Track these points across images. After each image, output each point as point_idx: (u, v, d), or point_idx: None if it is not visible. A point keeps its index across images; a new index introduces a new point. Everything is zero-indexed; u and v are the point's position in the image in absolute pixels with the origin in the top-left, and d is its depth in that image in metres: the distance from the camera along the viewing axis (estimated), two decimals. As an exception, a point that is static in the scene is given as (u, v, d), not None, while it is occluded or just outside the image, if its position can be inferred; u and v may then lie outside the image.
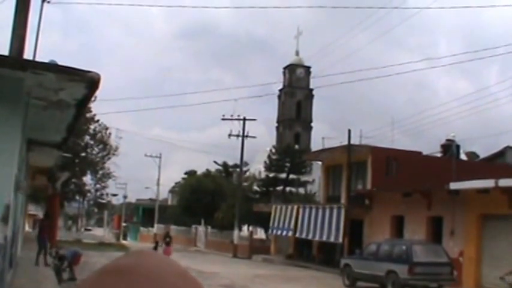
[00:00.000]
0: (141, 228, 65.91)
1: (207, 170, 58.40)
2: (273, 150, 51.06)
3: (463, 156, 36.60)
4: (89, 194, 51.41)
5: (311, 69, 75.62)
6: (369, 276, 20.88)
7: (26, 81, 7.07)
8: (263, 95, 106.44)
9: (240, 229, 41.52)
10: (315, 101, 77.11)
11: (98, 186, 47.72)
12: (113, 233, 73.17)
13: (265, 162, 49.52)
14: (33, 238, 24.68)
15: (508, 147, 36.14)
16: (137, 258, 0.81)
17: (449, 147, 31.78)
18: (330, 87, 79.91)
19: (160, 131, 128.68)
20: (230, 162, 56.98)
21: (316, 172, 43.75)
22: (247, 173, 53.06)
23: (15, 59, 8.97)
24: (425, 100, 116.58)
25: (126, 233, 68.25)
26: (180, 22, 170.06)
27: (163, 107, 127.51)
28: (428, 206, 24.49)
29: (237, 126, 42.32)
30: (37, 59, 14.50)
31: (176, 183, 69.07)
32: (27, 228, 44.58)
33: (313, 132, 75.36)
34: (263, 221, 38.01)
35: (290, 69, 76.35)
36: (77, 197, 53.63)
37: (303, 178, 48.44)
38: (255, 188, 49.83)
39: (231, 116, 41.87)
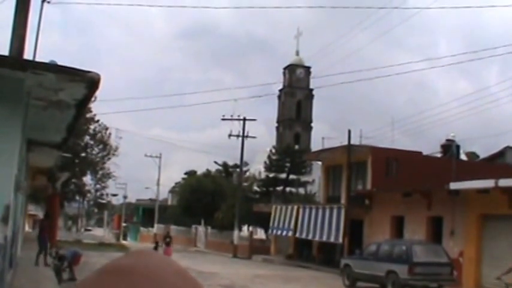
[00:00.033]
0: (141, 229, 65.92)
1: (207, 170, 58.43)
2: (273, 151, 51.06)
3: (463, 157, 36.62)
4: (89, 194, 51.45)
5: (311, 70, 75.70)
6: (369, 277, 20.87)
7: (26, 81, 7.07)
8: (263, 95, 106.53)
9: (240, 229, 41.52)
10: (315, 101, 77.22)
11: (98, 186, 47.80)
12: (113, 233, 73.18)
13: (265, 162, 49.52)
14: (33, 238, 24.67)
15: (508, 148, 36.14)
16: (137, 258, 0.81)
17: (449, 148, 31.78)
18: (330, 87, 79.77)
19: (160, 131, 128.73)
20: (230, 163, 57.04)
21: (316, 172, 43.75)
22: (247, 173, 53.07)
23: (15, 59, 8.97)
24: (425, 100, 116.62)
25: (126, 233, 68.27)
26: (180, 22, 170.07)
27: (163, 107, 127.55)
28: (428, 206, 24.49)
29: (237, 127, 42.38)
30: (37, 59, 14.50)
31: (176, 184, 69.07)
32: (27, 228, 44.57)
33: (313, 133, 75.47)
34: (263, 221, 38.01)
35: (290, 69, 76.36)
36: (77, 197, 53.64)
37: (303, 178, 48.44)
38: (255, 188, 49.85)
39: (231, 116, 41.94)
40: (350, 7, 69.08)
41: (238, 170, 46.41)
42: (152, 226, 58.96)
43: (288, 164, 48.17)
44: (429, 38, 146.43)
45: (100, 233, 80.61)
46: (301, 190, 47.82)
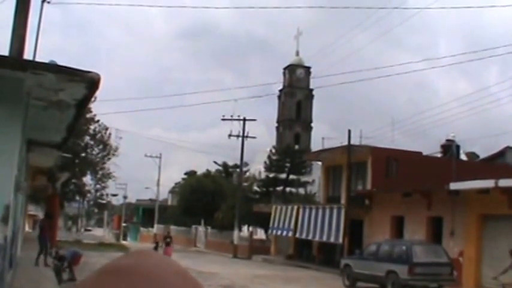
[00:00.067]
0: (141, 229, 65.93)
1: (207, 170, 58.43)
2: (273, 151, 51.06)
3: (463, 157, 36.61)
4: (88, 195, 51.42)
5: (311, 70, 75.65)
6: (369, 277, 20.88)
7: (26, 81, 7.07)
8: (263, 95, 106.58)
9: (240, 229, 41.52)
10: (315, 101, 77.18)
11: (98, 186, 47.74)
12: (113, 233, 73.18)
13: (265, 162, 49.52)
14: (33, 238, 24.68)
15: (508, 148, 36.15)
16: (137, 258, 0.81)
17: (449, 148, 31.79)
18: (330, 87, 79.85)
19: (160, 131, 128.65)
20: (230, 163, 57.05)
21: (316, 172, 43.74)
22: (247, 173, 53.07)
23: (15, 59, 8.97)
24: (426, 100, 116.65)
25: (126, 233, 68.26)
26: (180, 22, 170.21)
27: (163, 107, 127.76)
28: (428, 206, 24.49)
29: (237, 127, 42.38)
30: (37, 59, 14.50)
31: (176, 184, 69.10)
32: (27, 228, 44.58)
33: (313, 133, 75.44)
34: (263, 221, 38.01)
35: (290, 69, 76.34)
36: (77, 198, 53.63)
37: (303, 178, 48.43)
38: (255, 188, 49.85)
39: (231, 116, 41.94)
40: (350, 7, 69.03)
41: (238, 170, 46.42)
42: (152, 226, 58.97)
43: (288, 164, 48.17)
44: (429, 38, 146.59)
45: (100, 233, 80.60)
46: (301, 190, 47.82)
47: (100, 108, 70.68)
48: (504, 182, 19.63)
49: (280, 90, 75.45)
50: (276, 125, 76.65)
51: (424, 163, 28.98)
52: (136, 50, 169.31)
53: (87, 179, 45.53)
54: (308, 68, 75.97)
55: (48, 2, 17.09)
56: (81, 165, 40.00)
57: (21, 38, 11.64)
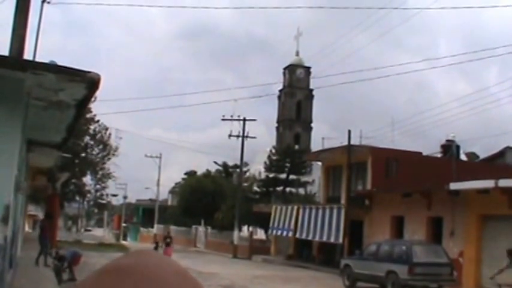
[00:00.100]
0: (141, 229, 65.92)
1: (207, 170, 58.43)
2: (273, 151, 51.05)
3: (463, 157, 36.61)
4: (88, 195, 51.44)
5: (311, 70, 75.68)
6: (369, 277, 20.87)
7: (26, 81, 7.07)
8: (263, 95, 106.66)
9: (240, 229, 41.51)
10: (315, 102, 77.21)
11: (98, 186, 47.78)
12: (113, 233, 73.17)
13: (265, 162, 49.51)
14: (33, 238, 24.68)
15: (508, 148, 36.14)
16: (137, 258, 0.81)
17: (449, 148, 31.79)
18: (330, 87, 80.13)
19: (161, 131, 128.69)
20: (230, 163, 57.04)
21: (316, 173, 43.74)
22: (247, 174, 53.06)
23: (15, 60, 8.97)
24: (426, 100, 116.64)
25: (126, 233, 68.26)
26: (180, 22, 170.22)
27: (163, 108, 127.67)
28: (428, 207, 24.49)
29: (237, 127, 42.38)
30: (37, 59, 14.51)
31: (176, 184, 69.08)
32: (27, 228, 44.59)
33: (313, 133, 75.46)
34: (263, 221, 38.01)
35: (290, 69, 76.36)
36: (77, 198, 53.64)
37: (303, 178, 48.42)
38: (255, 188, 49.83)
39: (231, 116, 41.94)
40: (350, 7, 69.14)
41: (238, 170, 46.41)
42: (152, 226, 58.96)
43: (288, 164, 48.15)
44: (429, 38, 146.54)
45: (100, 233, 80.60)
46: (301, 190, 47.79)
47: (100, 108, 70.74)
48: (504, 182, 19.62)
49: (280, 90, 75.46)
50: (276, 125, 76.70)
51: (424, 163, 28.98)
52: (136, 50, 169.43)
53: (87, 179, 45.62)
54: (308, 68, 76.00)
55: (48, 2, 17.12)
56: (81, 165, 40.01)
57: (21, 38, 11.65)
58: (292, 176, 48.10)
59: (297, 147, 59.82)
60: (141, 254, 0.83)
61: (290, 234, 33.05)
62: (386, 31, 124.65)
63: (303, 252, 34.32)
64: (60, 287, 15.26)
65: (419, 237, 23.90)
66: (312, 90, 75.38)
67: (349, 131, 29.85)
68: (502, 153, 36.23)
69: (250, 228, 44.38)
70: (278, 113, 76.91)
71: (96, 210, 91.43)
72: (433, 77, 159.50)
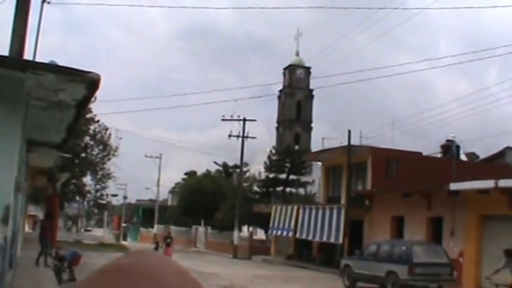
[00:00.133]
0: (141, 229, 65.92)
1: (207, 170, 58.45)
2: (273, 151, 51.07)
3: (463, 157, 36.61)
4: (88, 195, 51.44)
5: (311, 70, 75.69)
6: (369, 277, 20.87)
7: (26, 81, 7.06)
8: (263, 95, 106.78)
9: (240, 230, 41.51)
10: (315, 102, 77.23)
11: (98, 186, 47.80)
12: (113, 233, 73.16)
13: (265, 162, 49.52)
14: (33, 238, 24.69)
15: (507, 148, 36.15)
16: (137, 258, 0.81)
17: (449, 148, 31.79)
18: (330, 87, 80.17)
19: (160, 131, 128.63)
20: (230, 163, 57.05)
21: (316, 173, 43.75)
22: (247, 174, 53.07)
23: (15, 60, 8.98)
24: (426, 100, 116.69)
25: (126, 233, 68.26)
26: (180, 22, 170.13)
27: (163, 108, 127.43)
28: (428, 207, 24.49)
29: (237, 127, 42.39)
30: (37, 59, 14.51)
31: (176, 184, 69.08)
32: (27, 229, 44.58)
33: (313, 133, 75.46)
34: (263, 221, 38.01)
35: (290, 69, 76.36)
36: (77, 198, 53.64)
37: (303, 179, 48.43)
38: (255, 188, 49.85)
39: (231, 116, 41.95)
40: (350, 8, 69.08)
41: (238, 170, 46.41)
42: (152, 227, 58.96)
43: (288, 165, 48.17)
44: (429, 38, 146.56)
45: (100, 233, 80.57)
46: (301, 190, 47.82)
47: (100, 108, 70.81)
48: (504, 183, 19.63)
49: (280, 91, 75.46)
50: (276, 125, 76.71)
51: (424, 163, 28.98)
52: (136, 50, 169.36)
53: (87, 180, 45.63)
54: (308, 68, 76.00)
55: (48, 2, 17.12)
56: (81, 165, 40.01)
57: (21, 38, 11.65)
58: (292, 176, 48.12)
59: (297, 147, 59.83)
60: (141, 254, 0.83)
61: (290, 234, 33.04)
62: (386, 31, 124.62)
63: (303, 253, 34.31)
64: (60, 287, 15.26)
65: (420, 238, 23.91)
66: (312, 90, 75.39)
67: (349, 131, 29.88)
68: (502, 154, 36.23)
69: (250, 229, 44.39)
70: (278, 113, 76.92)
71: (96, 211, 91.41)
72: (433, 77, 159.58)
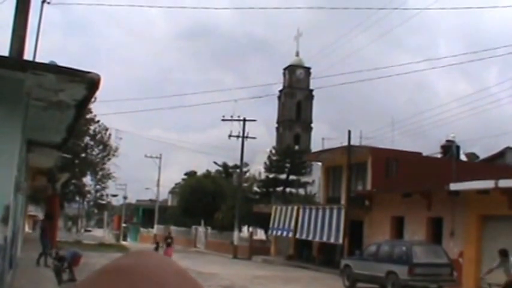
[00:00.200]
0: (141, 229, 65.93)
1: (207, 170, 58.45)
2: (273, 151, 51.06)
3: (463, 157, 36.61)
4: (88, 195, 51.42)
5: (311, 70, 75.71)
6: (369, 277, 20.87)
7: (26, 82, 7.06)
8: (263, 95, 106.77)
9: (240, 230, 41.51)
10: (315, 102, 77.24)
11: (98, 187, 47.78)
12: (113, 233, 73.15)
13: (265, 163, 49.52)
14: (33, 239, 24.68)
15: (508, 148, 36.15)
16: (137, 258, 0.81)
17: (449, 148, 31.79)
18: (330, 87, 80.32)
19: (160, 131, 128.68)
20: (230, 163, 57.06)
21: (316, 173, 43.74)
22: (247, 174, 53.06)
23: (15, 60, 8.98)
24: (426, 100, 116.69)
25: (126, 233, 68.27)
26: (179, 22, 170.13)
27: (163, 108, 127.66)
28: (428, 207, 24.49)
29: (237, 127, 42.40)
30: (37, 59, 14.52)
31: (176, 184, 69.08)
32: (27, 229, 44.56)
33: (313, 133, 75.47)
34: (263, 221, 38.01)
35: (290, 70, 76.37)
36: (77, 198, 53.62)
37: (303, 179, 48.43)
38: (255, 188, 49.84)
39: (231, 116, 41.95)
40: (350, 8, 69.18)
41: (238, 170, 46.41)
42: (152, 227, 58.97)
43: (288, 165, 48.17)
44: (429, 38, 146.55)
45: (100, 233, 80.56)
46: (301, 191, 47.80)
47: (100, 108, 70.87)
48: (504, 183, 19.63)
49: (280, 91, 75.47)
50: (276, 125, 76.72)
51: (424, 163, 28.98)
52: (136, 50, 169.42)
53: (87, 180, 45.62)
54: (308, 68, 76.02)
55: (48, 3, 17.13)
56: (81, 165, 40.01)
57: (21, 38, 11.65)
58: (292, 177, 48.12)
59: (297, 147, 59.82)
60: (141, 254, 0.83)
61: (290, 234, 33.04)
62: (386, 31, 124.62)
63: (303, 253, 34.31)
64: (60, 287, 15.26)
65: (420, 238, 23.91)
66: (312, 90, 75.40)
67: (349, 131, 29.88)
68: (502, 154, 36.24)
69: (250, 229, 44.39)
70: (278, 113, 76.93)
71: (96, 211, 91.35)
72: (433, 77, 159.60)
